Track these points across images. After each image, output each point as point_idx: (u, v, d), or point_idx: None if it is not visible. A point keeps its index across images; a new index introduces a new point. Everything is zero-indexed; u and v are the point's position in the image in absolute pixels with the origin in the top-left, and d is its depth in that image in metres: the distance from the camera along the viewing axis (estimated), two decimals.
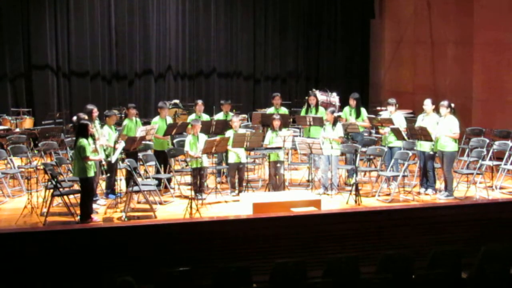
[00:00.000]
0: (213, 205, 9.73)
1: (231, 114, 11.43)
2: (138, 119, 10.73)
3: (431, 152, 10.08)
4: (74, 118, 9.81)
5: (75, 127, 9.84)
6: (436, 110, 10.32)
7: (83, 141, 8.57)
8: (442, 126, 9.92)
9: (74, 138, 9.01)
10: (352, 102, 11.52)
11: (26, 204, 9.04)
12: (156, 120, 10.74)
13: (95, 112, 9.86)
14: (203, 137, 10.00)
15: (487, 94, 13.85)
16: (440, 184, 10.51)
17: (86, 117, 9.59)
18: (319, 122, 10.99)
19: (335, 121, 10.38)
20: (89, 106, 10.00)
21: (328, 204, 9.49)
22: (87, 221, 8.53)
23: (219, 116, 11.44)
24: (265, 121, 11.71)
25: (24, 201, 9.25)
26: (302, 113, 12.02)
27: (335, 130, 10.28)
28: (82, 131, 8.64)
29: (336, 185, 10.33)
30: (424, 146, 10.14)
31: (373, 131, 12.70)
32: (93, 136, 8.94)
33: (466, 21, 14.23)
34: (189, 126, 10.76)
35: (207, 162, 10.14)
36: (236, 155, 10.15)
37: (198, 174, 9.83)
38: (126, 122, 10.49)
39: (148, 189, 9.42)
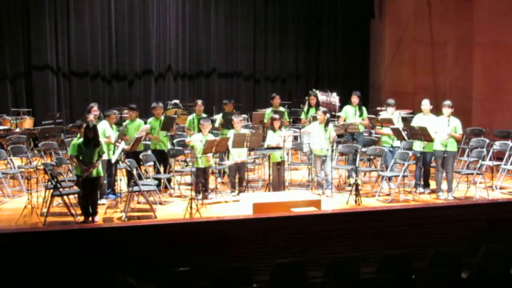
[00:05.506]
0: (213, 205, 9.72)
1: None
2: (139, 120, 10.68)
3: (418, 153, 10.16)
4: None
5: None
6: (434, 109, 10.31)
7: (74, 140, 8.72)
8: (446, 126, 9.85)
9: (74, 138, 9.03)
10: (356, 99, 11.38)
11: (26, 204, 9.03)
12: (150, 120, 10.66)
13: (95, 111, 9.84)
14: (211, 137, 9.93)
15: (487, 94, 13.85)
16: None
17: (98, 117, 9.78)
18: None
19: (327, 122, 10.33)
20: (91, 104, 10.11)
21: (328, 204, 9.48)
22: (86, 221, 8.53)
23: (220, 116, 11.36)
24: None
25: (24, 201, 9.24)
26: (303, 114, 12.01)
27: (327, 131, 10.21)
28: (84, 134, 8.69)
29: (331, 185, 10.25)
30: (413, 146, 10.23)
31: (373, 131, 12.68)
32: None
33: (466, 21, 14.23)
34: (187, 126, 10.79)
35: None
36: (237, 155, 10.11)
37: (202, 174, 9.81)
38: (126, 123, 10.48)
39: (148, 189, 9.42)
